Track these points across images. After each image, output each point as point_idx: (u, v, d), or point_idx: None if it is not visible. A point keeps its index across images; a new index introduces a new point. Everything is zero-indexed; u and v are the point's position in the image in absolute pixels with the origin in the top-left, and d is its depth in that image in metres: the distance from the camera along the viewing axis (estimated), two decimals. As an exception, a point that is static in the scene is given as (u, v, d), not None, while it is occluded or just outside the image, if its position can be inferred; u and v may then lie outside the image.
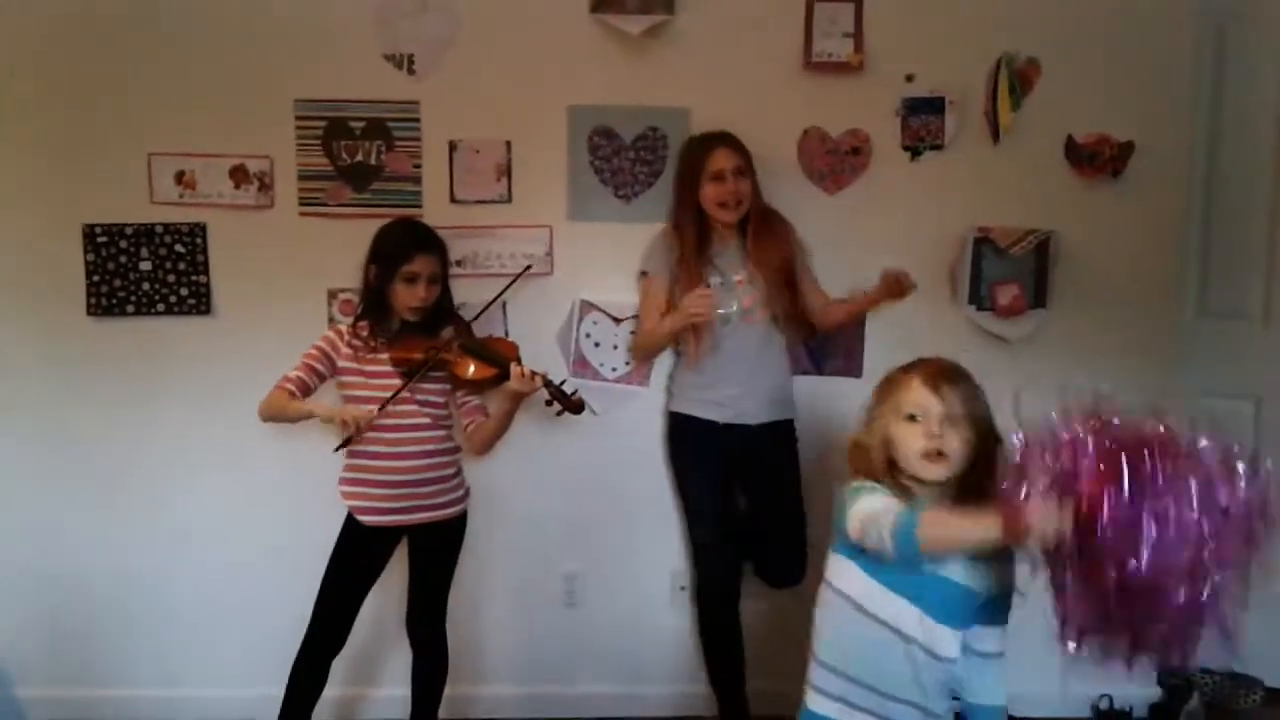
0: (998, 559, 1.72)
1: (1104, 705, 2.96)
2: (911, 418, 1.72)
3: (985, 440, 1.72)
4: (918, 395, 1.72)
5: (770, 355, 2.73)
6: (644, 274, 2.79)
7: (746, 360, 2.68)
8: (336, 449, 2.43)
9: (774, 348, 2.73)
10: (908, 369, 1.78)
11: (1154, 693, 3.03)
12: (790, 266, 2.72)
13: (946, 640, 1.73)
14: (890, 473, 1.76)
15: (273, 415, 2.42)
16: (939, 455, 1.69)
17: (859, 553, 1.73)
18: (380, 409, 2.38)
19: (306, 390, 2.45)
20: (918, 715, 1.75)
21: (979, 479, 1.72)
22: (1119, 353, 2.94)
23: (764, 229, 2.70)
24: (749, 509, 2.82)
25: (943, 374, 1.73)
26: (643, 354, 2.87)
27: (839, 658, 1.78)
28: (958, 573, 1.71)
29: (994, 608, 1.77)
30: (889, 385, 1.80)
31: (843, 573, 1.77)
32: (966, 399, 1.72)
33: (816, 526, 2.88)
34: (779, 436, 2.76)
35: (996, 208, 2.88)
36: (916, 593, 1.71)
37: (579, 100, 2.85)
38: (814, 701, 1.81)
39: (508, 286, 2.69)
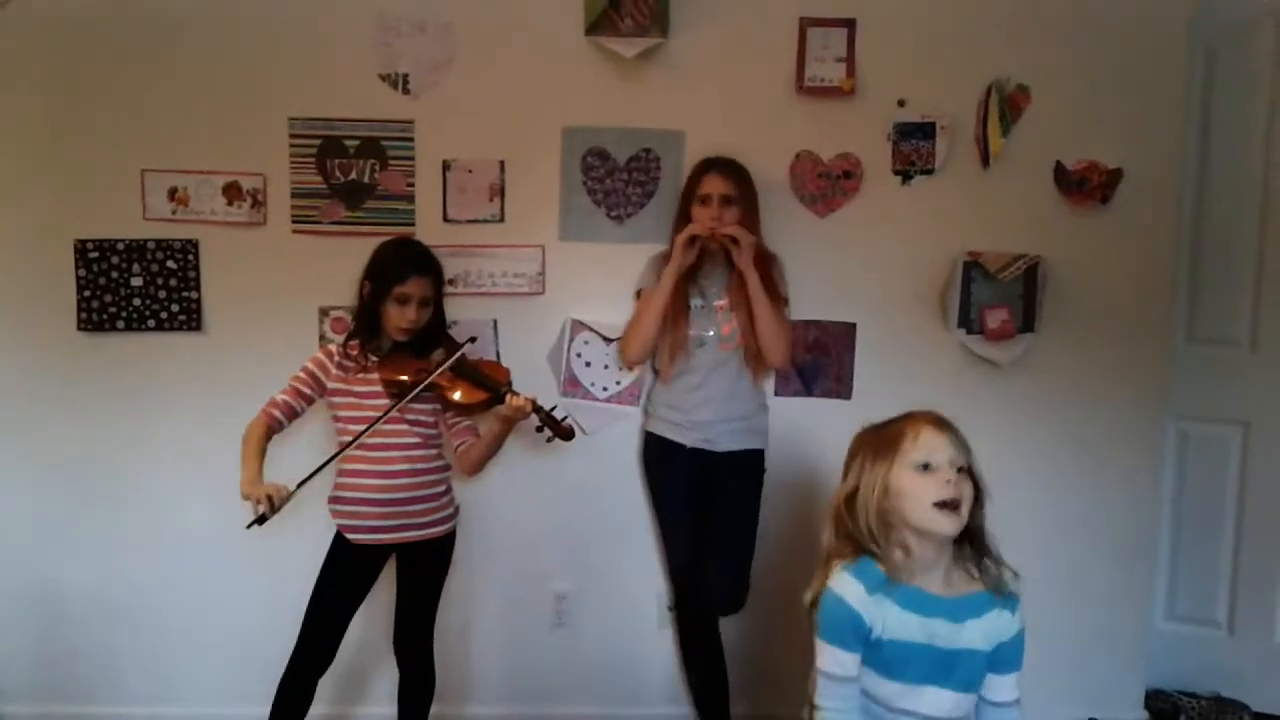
0: (991, 609, 1.69)
1: (1090, 729, 2.97)
2: (925, 467, 1.64)
3: (979, 497, 1.68)
4: (929, 441, 1.65)
5: (742, 384, 2.72)
6: (638, 293, 2.81)
7: (718, 385, 2.68)
8: (248, 526, 2.25)
9: (746, 377, 2.72)
10: (904, 420, 1.70)
11: (1141, 716, 3.03)
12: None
13: (946, 702, 1.69)
14: (883, 532, 1.68)
15: (243, 444, 2.38)
16: (954, 506, 1.62)
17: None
18: (299, 485, 2.30)
19: (293, 414, 2.46)
20: None
21: (970, 531, 1.68)
22: (1107, 377, 2.96)
23: (756, 265, 2.66)
24: (700, 531, 2.74)
25: (944, 420, 1.68)
26: (633, 335, 2.74)
27: None
28: (931, 637, 1.68)
29: (1003, 655, 1.71)
30: (886, 439, 1.70)
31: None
32: (967, 447, 1.67)
33: (787, 553, 2.87)
34: (744, 465, 2.74)
35: (986, 232, 2.89)
36: (902, 669, 1.68)
37: (573, 121, 2.87)
38: None
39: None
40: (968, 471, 1.66)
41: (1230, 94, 3.10)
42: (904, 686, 1.69)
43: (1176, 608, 3.23)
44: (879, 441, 1.71)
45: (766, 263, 2.71)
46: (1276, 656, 3.11)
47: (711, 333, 2.68)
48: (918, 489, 1.63)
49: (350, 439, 2.42)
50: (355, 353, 2.49)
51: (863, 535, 1.69)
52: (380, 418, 2.40)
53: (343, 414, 2.47)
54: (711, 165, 2.68)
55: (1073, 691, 3.01)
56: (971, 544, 1.71)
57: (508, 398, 2.44)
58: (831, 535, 1.76)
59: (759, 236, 2.70)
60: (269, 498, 2.21)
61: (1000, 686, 1.73)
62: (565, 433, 2.52)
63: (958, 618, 1.68)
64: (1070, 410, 2.96)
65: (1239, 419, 3.15)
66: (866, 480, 1.69)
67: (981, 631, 1.69)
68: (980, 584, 1.70)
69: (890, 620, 1.67)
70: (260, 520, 2.24)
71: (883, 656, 1.68)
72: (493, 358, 2.84)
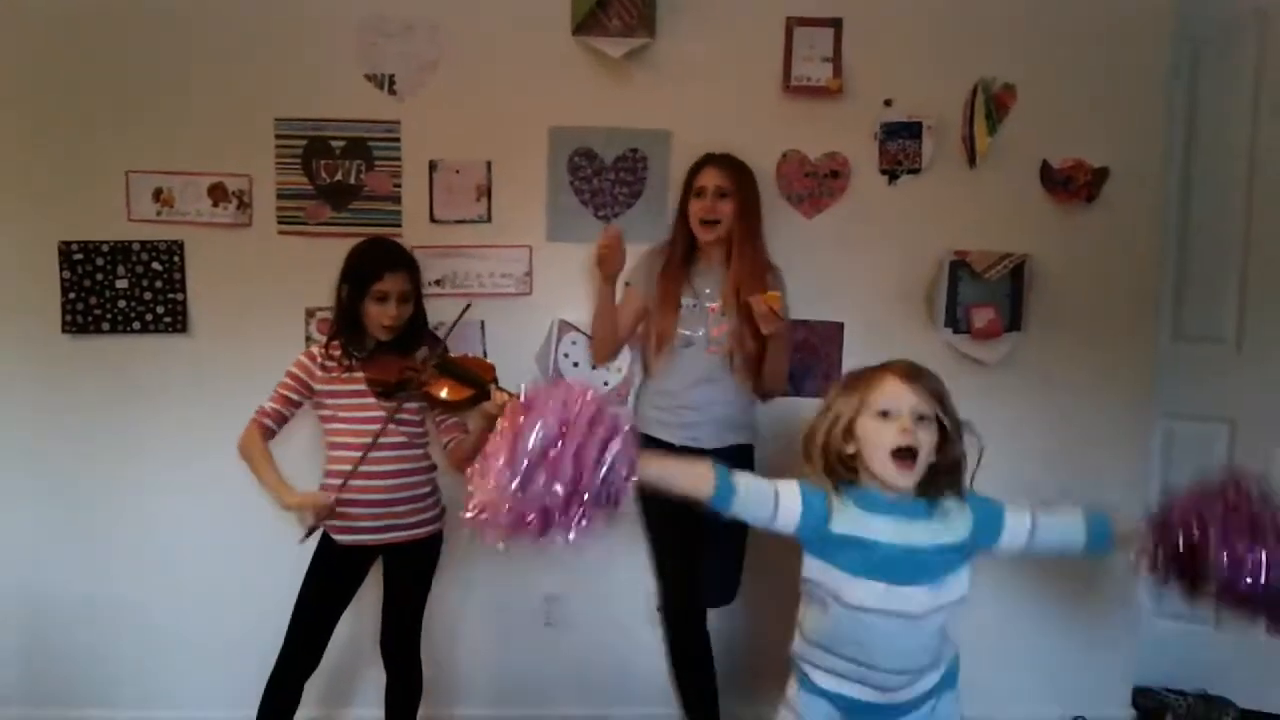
0: (938, 510, 1.74)
1: (1078, 726, 2.98)
2: (884, 414, 1.69)
3: (950, 442, 1.72)
4: (892, 390, 1.70)
5: (728, 385, 2.69)
6: (627, 284, 2.81)
7: (703, 387, 2.66)
8: (303, 539, 2.42)
9: (731, 379, 2.70)
10: (878, 368, 1.77)
11: (1128, 714, 3.04)
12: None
13: (917, 599, 1.71)
14: (839, 467, 1.74)
15: (248, 460, 2.45)
16: (910, 456, 1.67)
17: (808, 544, 1.76)
18: (341, 485, 2.40)
19: (282, 420, 2.47)
20: (906, 679, 1.76)
21: (938, 478, 1.72)
22: (1094, 376, 2.96)
23: (749, 271, 2.64)
24: (690, 530, 2.71)
25: (914, 371, 1.73)
26: (595, 336, 2.81)
27: (821, 637, 1.79)
28: (894, 535, 1.71)
29: (984, 528, 1.76)
30: (858, 381, 1.76)
31: (807, 564, 1.79)
32: (937, 396, 1.71)
33: (776, 554, 2.85)
34: (734, 459, 2.71)
35: (973, 231, 2.90)
36: (873, 567, 1.70)
37: (560, 121, 2.87)
38: (810, 674, 1.82)
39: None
40: (934, 419, 1.69)
41: (1215, 92, 3.11)
42: (887, 587, 1.71)
43: (1164, 604, 3.24)
44: (855, 382, 1.76)
45: (764, 273, 2.70)
46: (1263, 653, 3.08)
47: (701, 332, 2.67)
48: (876, 435, 1.69)
49: (341, 439, 2.44)
50: (338, 353, 2.48)
51: (816, 460, 1.75)
52: (385, 422, 2.42)
53: (335, 414, 2.47)
54: (710, 159, 2.70)
55: (1060, 689, 3.02)
56: (944, 481, 1.74)
57: (493, 394, 2.44)
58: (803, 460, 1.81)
59: (760, 238, 2.71)
60: (314, 511, 2.38)
61: (1013, 533, 1.76)
62: None
63: (911, 516, 1.73)
64: (1057, 409, 2.97)
65: (1225, 417, 3.15)
66: (831, 413, 1.75)
67: (922, 527, 1.73)
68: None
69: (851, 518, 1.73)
70: (311, 532, 2.41)
71: (848, 555, 1.72)
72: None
